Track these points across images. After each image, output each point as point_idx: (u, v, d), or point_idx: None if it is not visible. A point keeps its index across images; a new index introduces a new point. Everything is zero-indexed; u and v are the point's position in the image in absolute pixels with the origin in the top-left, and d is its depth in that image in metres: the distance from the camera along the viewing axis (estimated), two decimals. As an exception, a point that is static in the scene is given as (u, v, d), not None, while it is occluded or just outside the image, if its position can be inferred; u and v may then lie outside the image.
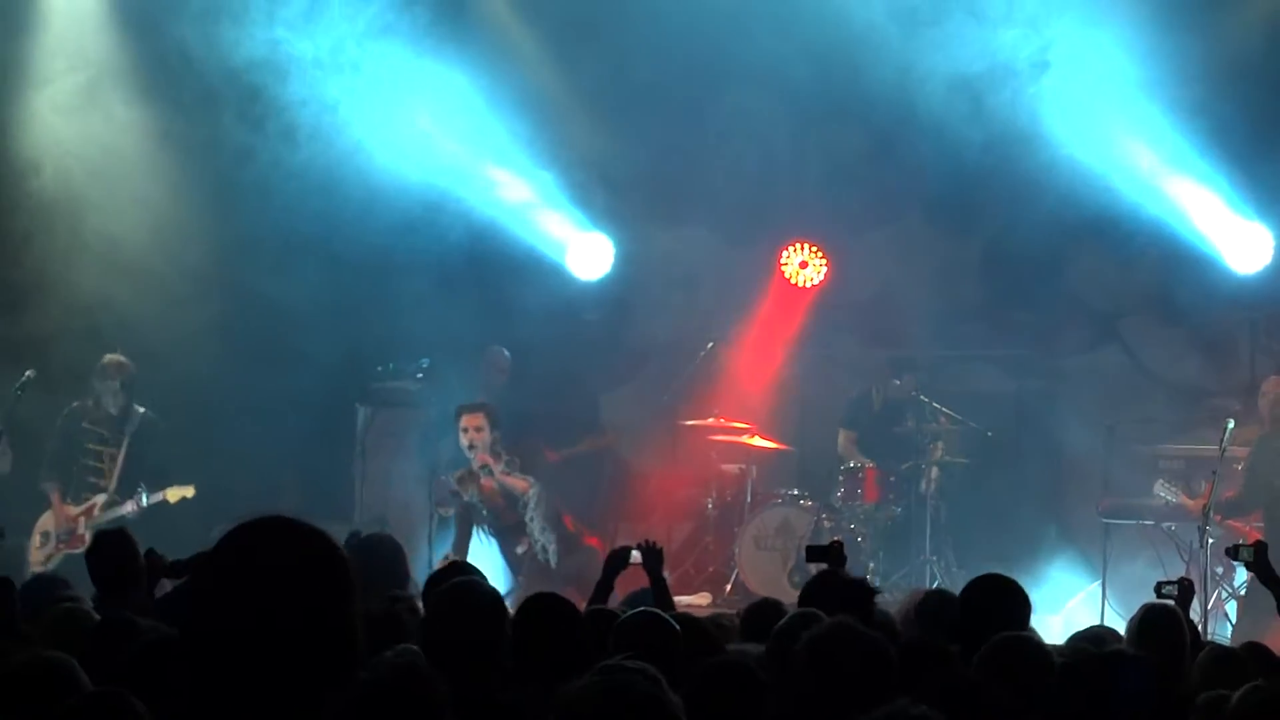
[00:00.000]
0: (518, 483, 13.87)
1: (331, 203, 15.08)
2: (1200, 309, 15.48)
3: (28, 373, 13.84)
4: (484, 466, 13.86)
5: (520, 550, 13.95)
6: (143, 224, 15.13)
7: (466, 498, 13.96)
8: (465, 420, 13.91)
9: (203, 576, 3.13)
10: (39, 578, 9.55)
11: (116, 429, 14.14)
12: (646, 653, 4.93)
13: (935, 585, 13.57)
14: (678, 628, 6.02)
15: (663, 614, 6.17)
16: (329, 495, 15.49)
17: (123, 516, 13.73)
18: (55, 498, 14.14)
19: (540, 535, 13.79)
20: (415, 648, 5.68)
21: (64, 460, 14.19)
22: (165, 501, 13.90)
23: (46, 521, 14.11)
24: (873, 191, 16.30)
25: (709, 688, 5.27)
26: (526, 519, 13.83)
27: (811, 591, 7.00)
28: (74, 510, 14.07)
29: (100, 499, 14.06)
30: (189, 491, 13.92)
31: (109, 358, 14.21)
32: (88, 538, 13.28)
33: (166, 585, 8.23)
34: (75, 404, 14.21)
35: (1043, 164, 15.04)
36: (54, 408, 14.35)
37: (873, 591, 7.14)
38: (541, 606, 6.11)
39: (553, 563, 13.75)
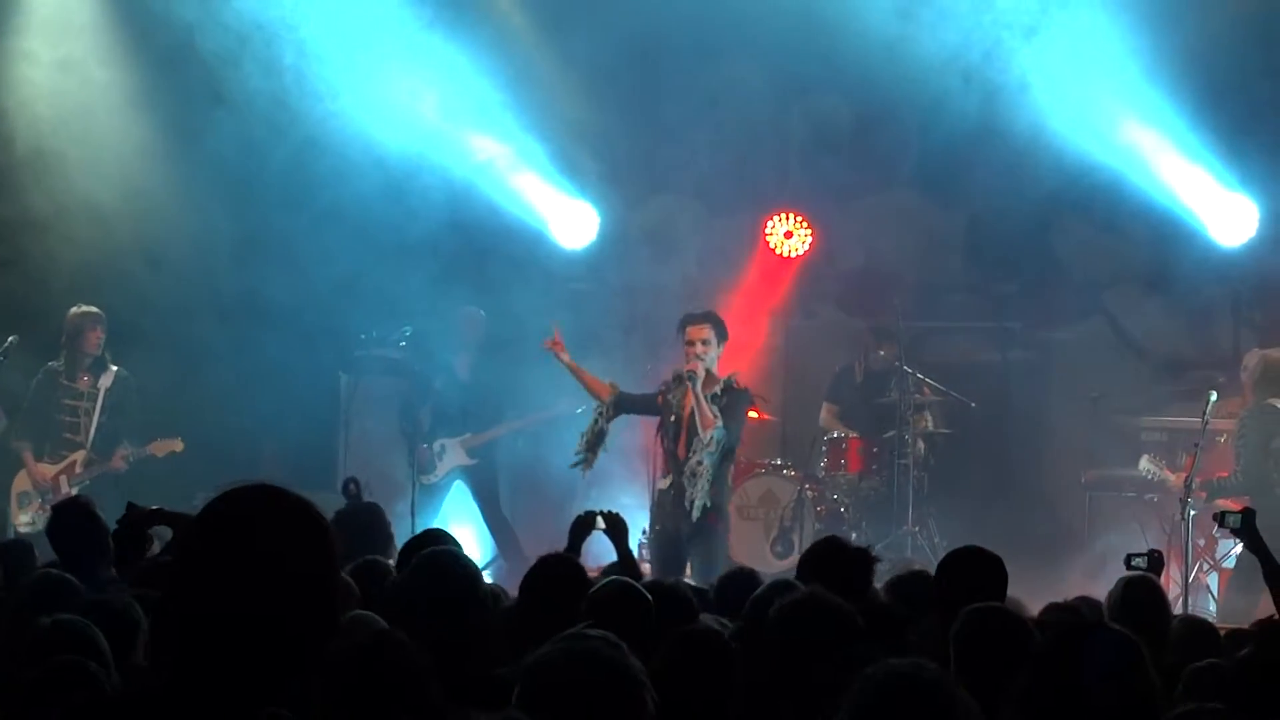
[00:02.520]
0: (707, 412, 12.21)
1: (315, 169, 15.03)
2: (1185, 281, 15.45)
3: (11, 338, 13.80)
4: (690, 374, 12.25)
5: (662, 486, 12.53)
6: (122, 186, 15.06)
7: (669, 395, 12.46)
8: (691, 332, 12.40)
9: (189, 542, 3.16)
10: (10, 544, 9.47)
11: (91, 384, 14.03)
12: (619, 623, 4.94)
13: (909, 557, 13.61)
14: (649, 597, 6.04)
15: (634, 584, 6.18)
16: (311, 463, 15.48)
17: (107, 473, 13.72)
18: (28, 456, 13.96)
19: (703, 491, 12.17)
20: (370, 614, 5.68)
21: (37, 419, 14.02)
22: (152, 456, 13.82)
23: (22, 481, 13.92)
24: (859, 162, 16.28)
25: (680, 656, 5.27)
26: (696, 459, 12.21)
27: (811, 560, 7.00)
28: (52, 469, 13.94)
29: (80, 455, 13.96)
30: (177, 445, 13.81)
31: (79, 309, 14.07)
32: (72, 491, 13.24)
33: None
34: (50, 363, 14.10)
35: (1029, 136, 15.01)
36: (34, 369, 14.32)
37: (873, 561, 7.12)
38: (552, 570, 6.16)
39: (695, 516, 12.19)
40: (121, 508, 8.04)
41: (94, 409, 13.99)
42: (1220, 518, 8.74)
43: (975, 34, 14.86)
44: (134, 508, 7.76)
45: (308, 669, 3.13)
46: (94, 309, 13.99)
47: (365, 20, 15.26)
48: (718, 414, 12.22)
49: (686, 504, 12.22)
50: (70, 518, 8.03)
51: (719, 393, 12.33)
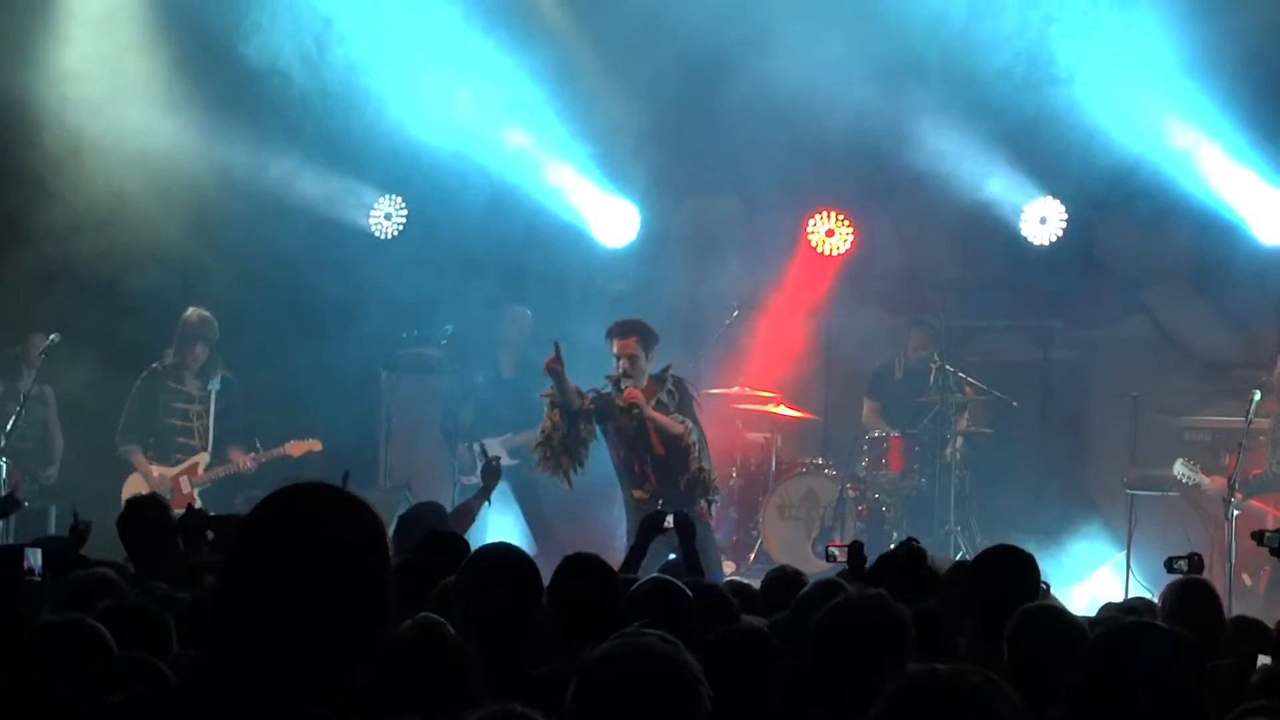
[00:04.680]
0: (673, 425, 11.71)
1: (356, 168, 15.06)
2: (1229, 280, 15.38)
3: (52, 336, 13.88)
4: (633, 407, 11.65)
5: (640, 495, 11.84)
6: (160, 188, 15.13)
7: (612, 406, 11.83)
8: (617, 346, 11.73)
9: (241, 540, 3.17)
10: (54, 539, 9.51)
11: (201, 387, 14.06)
12: (659, 620, 4.92)
13: (960, 556, 13.55)
14: (691, 595, 6.03)
15: (676, 581, 6.18)
16: (353, 462, 15.44)
17: (238, 475, 13.78)
18: (140, 459, 13.93)
19: (714, 490, 11.96)
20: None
21: (144, 421, 14.02)
22: (288, 456, 13.83)
23: (136, 485, 13.70)
24: (900, 160, 16.22)
25: (723, 655, 5.26)
26: (694, 467, 11.78)
27: (882, 571, 6.93)
28: (170, 471, 13.91)
29: (201, 458, 13.95)
30: (315, 445, 13.85)
31: (194, 312, 14.09)
32: (197, 498, 13.25)
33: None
34: (154, 364, 14.11)
35: (1072, 134, 14.98)
36: (82, 375, 14.38)
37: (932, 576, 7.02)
38: (581, 567, 6.14)
39: (712, 512, 12.08)
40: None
41: (207, 412, 13.98)
42: (1259, 537, 8.59)
43: (1020, 31, 14.81)
44: (193, 510, 7.92)
45: (359, 663, 3.14)
46: (207, 314, 14.01)
47: (411, 21, 15.28)
48: (682, 419, 11.87)
49: (701, 506, 11.88)
50: (140, 516, 8.14)
51: (671, 390, 11.97)
